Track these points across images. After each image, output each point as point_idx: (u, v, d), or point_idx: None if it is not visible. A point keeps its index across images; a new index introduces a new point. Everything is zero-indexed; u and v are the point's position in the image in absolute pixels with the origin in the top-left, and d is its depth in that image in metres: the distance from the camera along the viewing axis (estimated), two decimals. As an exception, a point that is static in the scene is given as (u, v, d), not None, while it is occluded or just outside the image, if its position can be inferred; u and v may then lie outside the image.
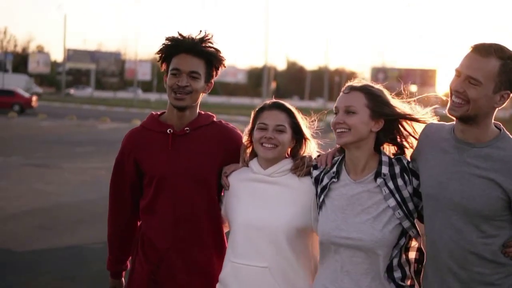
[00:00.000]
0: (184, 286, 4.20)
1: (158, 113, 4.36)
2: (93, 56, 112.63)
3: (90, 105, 65.54)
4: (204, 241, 4.20)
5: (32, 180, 16.35)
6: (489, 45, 3.46)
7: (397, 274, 3.77)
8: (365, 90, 3.82)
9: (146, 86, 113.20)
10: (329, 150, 4.08)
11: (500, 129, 3.57)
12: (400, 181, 3.76)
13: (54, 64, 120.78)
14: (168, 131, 4.17)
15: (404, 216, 3.72)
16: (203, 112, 4.34)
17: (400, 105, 3.87)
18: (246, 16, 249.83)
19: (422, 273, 3.83)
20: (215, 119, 4.35)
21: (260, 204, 4.00)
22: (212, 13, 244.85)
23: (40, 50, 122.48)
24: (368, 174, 3.80)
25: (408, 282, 3.83)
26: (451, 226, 3.53)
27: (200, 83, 4.13)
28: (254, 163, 4.11)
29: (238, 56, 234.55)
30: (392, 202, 3.72)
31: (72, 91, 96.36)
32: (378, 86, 3.91)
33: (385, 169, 3.78)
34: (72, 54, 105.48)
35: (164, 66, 4.21)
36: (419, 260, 3.87)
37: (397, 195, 3.73)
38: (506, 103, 3.52)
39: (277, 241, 3.93)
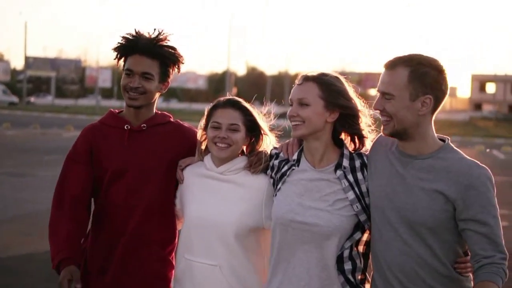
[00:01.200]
0: (128, 285, 4.17)
1: (117, 110, 4.37)
2: (53, 63, 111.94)
3: (52, 113, 65.24)
4: (153, 237, 4.17)
5: (6, 188, 16.76)
6: (397, 58, 3.51)
7: (347, 266, 3.70)
8: (318, 80, 3.73)
9: (107, 93, 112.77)
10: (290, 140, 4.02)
11: (444, 141, 3.57)
12: (359, 175, 3.72)
13: (14, 72, 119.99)
14: (125, 127, 4.18)
15: (361, 209, 3.68)
16: (159, 112, 4.35)
17: (355, 97, 3.79)
18: (205, 21, 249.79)
19: (370, 284, 3.76)
20: (171, 119, 4.36)
21: (211, 201, 3.98)
22: (172, 18, 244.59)
23: (0, 58, 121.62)
24: (329, 165, 3.75)
25: (359, 276, 3.76)
26: (399, 239, 3.50)
27: (153, 83, 4.13)
28: (207, 160, 4.08)
29: (198, 62, 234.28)
30: (351, 195, 3.67)
31: (32, 99, 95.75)
32: (333, 73, 3.82)
33: (345, 162, 3.73)
34: (32, 62, 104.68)
35: (120, 64, 4.22)
36: (365, 254, 3.80)
37: (356, 189, 3.69)
38: (439, 107, 3.55)
39: (227, 239, 3.92)
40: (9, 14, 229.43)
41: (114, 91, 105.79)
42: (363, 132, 3.81)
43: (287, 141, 4.01)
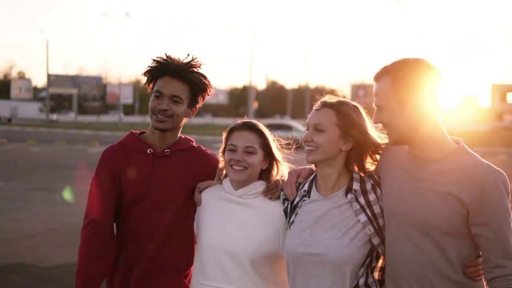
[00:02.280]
0: None
1: (138, 132, 4.32)
2: (74, 80, 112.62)
3: (76, 130, 65.86)
4: (175, 263, 4.17)
5: (39, 203, 17.09)
6: (381, 68, 3.48)
7: None
8: (337, 108, 3.68)
9: (128, 109, 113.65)
10: (293, 171, 3.99)
11: (458, 143, 3.51)
12: (372, 196, 3.64)
13: (35, 90, 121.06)
14: (148, 151, 4.14)
15: (374, 232, 3.61)
16: (183, 136, 4.31)
17: (372, 130, 3.73)
18: (225, 37, 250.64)
19: None
20: (194, 144, 4.32)
21: (228, 225, 3.93)
22: (192, 33, 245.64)
23: (21, 76, 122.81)
24: (339, 190, 3.69)
25: None
26: (411, 243, 3.45)
27: (182, 107, 4.10)
28: (226, 182, 4.04)
29: (219, 76, 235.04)
30: (363, 217, 3.61)
31: (55, 116, 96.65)
32: (354, 103, 3.76)
33: (356, 185, 3.66)
34: (53, 79, 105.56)
35: (150, 87, 4.17)
36: (381, 281, 3.71)
37: (368, 210, 3.62)
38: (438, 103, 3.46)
39: (243, 264, 3.85)
40: (30, 32, 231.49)
41: (136, 107, 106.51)
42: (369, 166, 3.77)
43: (292, 174, 3.96)
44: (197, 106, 4.23)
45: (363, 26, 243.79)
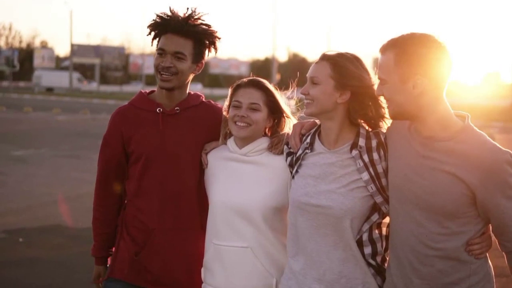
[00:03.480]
0: (169, 268, 4.15)
1: (147, 91, 4.31)
2: (97, 50, 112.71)
3: (99, 99, 66.34)
4: (191, 222, 4.14)
5: (67, 169, 17.60)
6: (387, 41, 3.43)
7: (367, 250, 3.63)
8: (332, 60, 3.63)
9: (150, 80, 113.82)
10: (297, 123, 3.98)
11: (465, 119, 3.43)
12: (375, 155, 3.60)
13: (58, 59, 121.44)
14: (157, 110, 4.11)
15: (376, 191, 3.58)
16: (192, 92, 4.26)
17: (374, 79, 3.63)
18: (246, 8, 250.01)
19: (387, 261, 3.71)
20: (203, 99, 4.30)
21: (235, 184, 3.94)
22: (215, 4, 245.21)
23: (44, 45, 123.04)
24: (344, 145, 3.65)
25: (379, 259, 3.69)
26: (413, 220, 3.41)
27: (186, 63, 4.05)
28: (230, 142, 4.04)
29: (240, 48, 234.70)
30: (365, 175, 3.58)
31: (85, 82, 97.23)
32: (355, 55, 3.68)
33: (361, 141, 3.62)
34: (76, 49, 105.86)
35: (156, 45, 4.14)
36: (387, 236, 3.71)
37: (371, 169, 3.59)
38: (444, 85, 3.40)
39: (255, 221, 3.87)
40: (53, 2, 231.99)
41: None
42: (375, 115, 3.67)
43: (296, 125, 3.96)
44: (203, 61, 4.17)
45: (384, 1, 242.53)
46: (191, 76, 4.16)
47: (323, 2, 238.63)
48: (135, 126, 4.12)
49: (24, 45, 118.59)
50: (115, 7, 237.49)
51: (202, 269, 4.09)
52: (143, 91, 4.28)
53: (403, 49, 3.32)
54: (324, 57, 3.65)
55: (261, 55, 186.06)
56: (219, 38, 4.18)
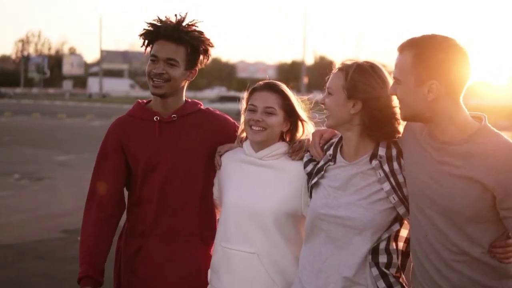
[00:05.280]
0: (160, 275, 4.10)
1: (145, 101, 4.23)
2: (125, 56, 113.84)
3: (129, 105, 66.87)
4: (190, 230, 4.08)
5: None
6: (407, 40, 3.30)
7: (382, 259, 3.53)
8: (345, 69, 3.54)
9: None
10: (316, 132, 3.89)
11: (482, 120, 3.27)
12: (396, 165, 3.51)
13: (86, 65, 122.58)
14: (155, 118, 4.05)
15: (399, 201, 3.49)
16: (189, 100, 4.21)
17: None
18: (274, 11, 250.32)
19: (411, 272, 3.56)
20: (202, 107, 4.22)
21: (249, 187, 3.88)
22: (241, 11, 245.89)
23: (72, 52, 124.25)
24: (364, 155, 3.57)
25: (394, 272, 3.57)
26: (436, 228, 3.29)
27: (178, 70, 3.98)
28: (246, 145, 3.97)
29: (267, 52, 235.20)
30: (387, 186, 3.49)
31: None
32: (371, 62, 3.57)
33: (381, 151, 3.54)
34: (105, 55, 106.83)
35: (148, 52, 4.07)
36: (405, 253, 3.61)
37: (392, 179, 3.50)
38: (461, 91, 3.24)
39: (266, 226, 3.81)
40: (82, 8, 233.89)
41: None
42: (388, 126, 3.55)
43: (315, 134, 3.88)
44: (196, 68, 4.10)
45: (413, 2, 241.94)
46: (184, 83, 4.11)
47: (350, 6, 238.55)
48: (134, 136, 4.07)
49: (53, 51, 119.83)
50: (143, 12, 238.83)
51: (209, 271, 4.05)
52: (140, 101, 4.24)
53: (422, 51, 3.20)
54: (340, 67, 3.58)
55: (287, 58, 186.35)
56: (212, 46, 4.14)
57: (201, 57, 4.09)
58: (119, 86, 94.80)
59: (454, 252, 3.25)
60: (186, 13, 4.05)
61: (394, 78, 3.30)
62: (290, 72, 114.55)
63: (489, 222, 3.20)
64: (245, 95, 3.97)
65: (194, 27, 4.04)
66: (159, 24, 4.01)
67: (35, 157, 22.04)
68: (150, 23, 4.03)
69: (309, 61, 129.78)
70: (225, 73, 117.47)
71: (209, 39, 4.09)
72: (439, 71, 3.16)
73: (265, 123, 3.84)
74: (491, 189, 3.10)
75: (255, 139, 3.87)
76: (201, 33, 4.05)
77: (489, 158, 3.11)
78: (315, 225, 3.62)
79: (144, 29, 4.04)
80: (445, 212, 3.24)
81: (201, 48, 4.07)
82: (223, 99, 44.35)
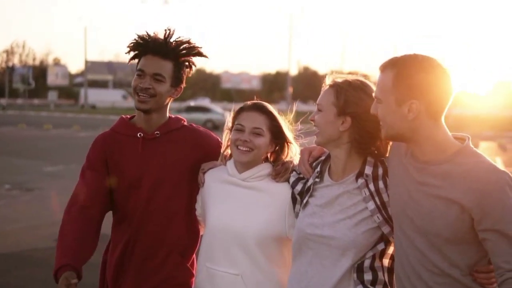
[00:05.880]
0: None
1: (128, 116, 4.20)
2: (110, 67, 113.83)
3: (115, 116, 66.92)
4: (171, 246, 4.06)
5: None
6: (388, 59, 3.28)
7: (368, 277, 3.51)
8: (337, 86, 3.52)
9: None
10: (305, 149, 3.86)
11: (465, 141, 3.25)
12: (381, 184, 3.48)
13: (70, 76, 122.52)
14: (138, 135, 4.03)
15: (383, 220, 3.47)
16: (173, 116, 4.19)
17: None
18: (257, 22, 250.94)
19: None
20: (185, 123, 4.20)
21: (232, 208, 3.84)
22: (226, 20, 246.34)
23: (57, 62, 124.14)
24: (350, 174, 3.54)
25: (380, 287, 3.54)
26: (417, 250, 3.26)
27: (165, 86, 3.96)
28: (230, 164, 3.93)
29: (251, 62, 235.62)
30: (371, 205, 3.47)
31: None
32: (361, 79, 3.55)
33: (368, 170, 3.51)
34: (90, 66, 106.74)
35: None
36: (391, 269, 3.57)
37: (376, 198, 3.47)
38: (442, 111, 3.21)
39: (249, 248, 3.77)
40: (66, 19, 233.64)
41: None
42: (376, 143, 3.55)
43: (304, 152, 3.85)
44: (181, 86, 4.09)
45: (398, 10, 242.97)
46: (168, 100, 4.08)
47: (333, 16, 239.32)
48: (117, 151, 4.05)
49: (37, 62, 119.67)
50: (128, 23, 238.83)
51: None
52: (124, 116, 4.21)
53: (403, 71, 3.17)
54: (331, 84, 3.56)
55: (271, 69, 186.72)
56: (201, 54, 4.14)
57: (187, 73, 4.11)
58: (110, 97, 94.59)
59: (435, 274, 3.24)
60: (174, 30, 4.05)
61: (376, 97, 3.28)
62: (274, 83, 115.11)
63: (468, 244, 3.17)
64: (231, 113, 3.98)
65: (184, 45, 4.05)
66: (148, 39, 4.01)
67: (24, 167, 22.19)
68: (139, 36, 4.03)
69: (294, 71, 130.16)
70: (209, 84, 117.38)
71: (196, 47, 4.10)
72: (419, 91, 3.14)
73: (253, 143, 3.82)
74: (468, 210, 3.08)
75: (241, 160, 3.85)
76: (188, 42, 4.08)
77: (467, 179, 3.09)
78: (302, 244, 3.62)
79: (133, 41, 4.04)
80: (425, 232, 3.21)
81: (188, 63, 4.10)
82: (189, 109, 44.42)
